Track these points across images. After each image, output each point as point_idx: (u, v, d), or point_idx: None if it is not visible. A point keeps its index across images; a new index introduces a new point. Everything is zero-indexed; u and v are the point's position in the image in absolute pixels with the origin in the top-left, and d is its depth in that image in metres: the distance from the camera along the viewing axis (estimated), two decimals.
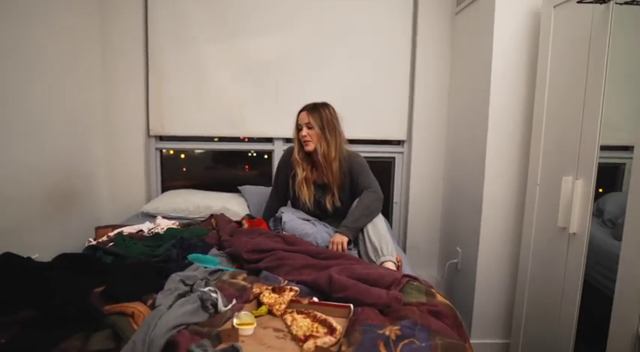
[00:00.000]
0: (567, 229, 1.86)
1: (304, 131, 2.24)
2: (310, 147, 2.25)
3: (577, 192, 1.79)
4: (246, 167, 3.50)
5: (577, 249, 1.81)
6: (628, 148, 1.73)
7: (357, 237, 2.14)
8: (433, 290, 1.61)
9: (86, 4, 2.75)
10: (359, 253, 2.11)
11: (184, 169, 3.46)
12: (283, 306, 1.44)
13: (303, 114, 2.27)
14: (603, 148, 1.72)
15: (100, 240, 2.05)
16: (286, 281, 1.64)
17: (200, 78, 3.01)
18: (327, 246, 2.09)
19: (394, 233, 3.21)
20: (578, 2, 1.73)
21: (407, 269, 2.04)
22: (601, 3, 1.65)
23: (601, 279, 1.94)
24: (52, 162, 2.39)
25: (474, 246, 2.46)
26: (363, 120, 3.04)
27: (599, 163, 1.72)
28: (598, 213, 2.20)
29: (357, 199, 2.19)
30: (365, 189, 2.19)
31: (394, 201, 3.25)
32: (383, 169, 3.27)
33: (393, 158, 3.21)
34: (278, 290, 1.53)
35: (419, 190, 3.13)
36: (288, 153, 2.40)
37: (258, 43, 2.99)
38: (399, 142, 3.18)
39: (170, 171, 3.32)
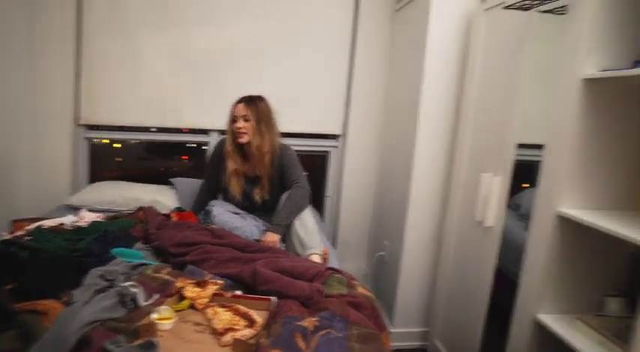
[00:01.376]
0: (484, 223, 1.98)
1: (240, 123, 2.24)
2: (245, 139, 2.26)
3: (494, 188, 1.91)
4: (183, 158, 3.43)
5: (491, 241, 1.94)
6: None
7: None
8: (355, 283, 1.67)
9: None
10: (286, 246, 2.14)
11: (119, 160, 3.35)
12: (205, 300, 1.45)
13: (240, 106, 2.27)
14: (523, 146, 1.85)
15: (17, 234, 1.95)
16: (211, 275, 1.64)
17: (136, 66, 2.90)
18: (256, 239, 2.11)
19: (326, 226, 3.27)
20: (503, 8, 1.83)
21: (335, 262, 2.10)
22: (524, 10, 1.76)
23: (514, 270, 2.09)
24: None
25: (400, 238, 2.56)
26: (299, 114, 3.06)
27: (520, 161, 1.83)
28: (516, 208, 2.36)
29: (286, 193, 2.22)
30: (293, 183, 2.23)
31: (327, 194, 3.31)
32: (317, 163, 3.32)
33: (328, 152, 3.26)
34: (201, 284, 1.53)
35: (351, 185, 3.20)
36: (220, 145, 2.40)
37: (197, 33, 2.93)
38: (334, 137, 3.23)
39: (102, 161, 3.19)
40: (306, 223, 2.14)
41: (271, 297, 1.51)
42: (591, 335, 1.46)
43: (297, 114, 3.05)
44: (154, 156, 3.47)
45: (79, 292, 1.35)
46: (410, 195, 2.47)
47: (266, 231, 2.14)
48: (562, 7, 1.59)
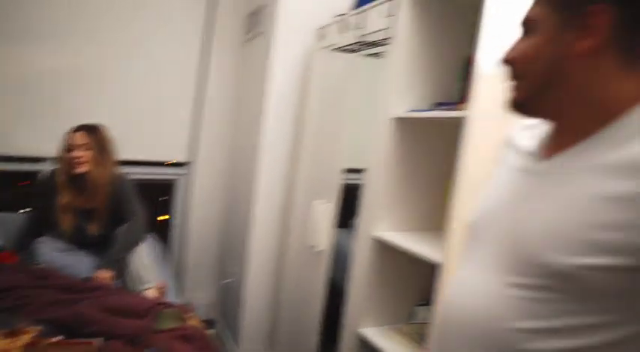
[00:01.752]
0: (316, 246, 2.12)
1: (79, 152, 2.14)
2: (83, 169, 2.15)
3: (324, 215, 2.07)
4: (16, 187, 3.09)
5: (322, 264, 2.09)
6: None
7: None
8: (188, 315, 1.69)
9: None
10: (121, 282, 2.07)
11: None
12: None
13: (79, 134, 2.17)
14: (351, 171, 2.03)
15: None
16: (26, 322, 1.52)
17: None
18: (87, 278, 2.00)
19: (173, 256, 3.20)
20: (333, 50, 2.02)
21: (173, 294, 2.08)
22: (351, 53, 1.96)
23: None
24: None
25: (244, 265, 2.62)
26: (146, 142, 2.97)
27: (350, 184, 2.01)
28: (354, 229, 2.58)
29: (122, 227, 2.15)
30: (130, 216, 2.17)
31: (174, 224, 3.25)
32: (163, 191, 3.25)
33: (175, 180, 3.21)
34: (13, 333, 1.41)
35: (199, 212, 3.18)
36: (49, 177, 2.24)
37: (31, 51, 2.67)
38: (182, 164, 3.19)
39: None
40: (142, 257, 2.09)
41: (95, 339, 1.45)
42: (403, 342, 1.66)
43: (143, 142, 2.95)
44: None
45: None
46: (252, 221, 2.54)
47: (98, 267, 2.05)
48: (383, 52, 1.81)
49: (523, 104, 0.74)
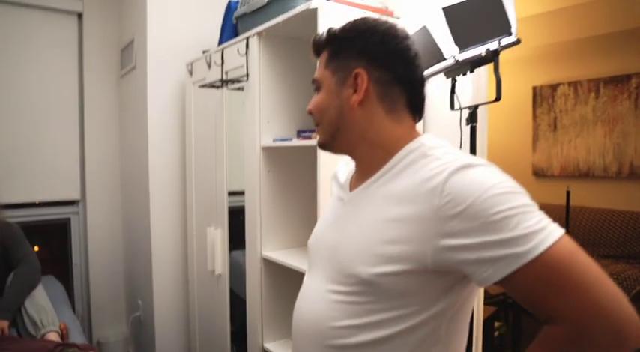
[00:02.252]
0: (214, 271, 2.21)
1: None
2: None
3: (217, 240, 2.17)
4: None
5: (222, 286, 2.18)
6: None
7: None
8: None
9: None
10: (17, 330, 2.02)
11: None
12: None
13: None
14: (236, 194, 2.15)
15: None
16: None
17: None
18: None
19: (77, 295, 3.11)
20: (199, 86, 2.14)
21: (77, 334, 2.07)
22: (217, 88, 2.09)
23: None
24: None
25: (151, 296, 2.63)
26: (28, 181, 2.87)
27: (239, 206, 2.12)
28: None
29: (12, 274, 2.10)
30: (19, 261, 2.12)
31: (74, 262, 3.16)
32: (59, 230, 3.15)
33: (69, 218, 3.13)
34: None
35: (99, 249, 3.12)
36: None
37: None
38: (73, 202, 3.13)
39: None
40: (39, 301, 2.05)
41: None
42: None
43: (26, 182, 2.86)
44: None
45: None
46: (152, 251, 2.57)
47: None
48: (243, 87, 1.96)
49: (325, 144, 0.93)
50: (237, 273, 2.19)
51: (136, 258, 2.93)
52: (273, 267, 1.87)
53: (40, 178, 2.95)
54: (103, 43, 3.08)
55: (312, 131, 1.74)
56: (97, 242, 3.12)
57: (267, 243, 1.87)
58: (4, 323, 1.96)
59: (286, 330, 1.93)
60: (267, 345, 1.89)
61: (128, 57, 2.88)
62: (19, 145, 2.87)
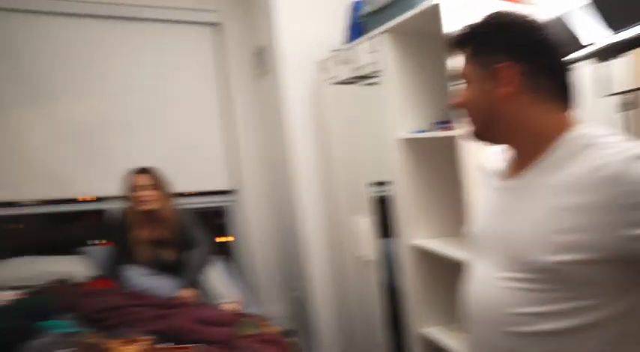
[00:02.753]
0: (363, 257, 2.38)
1: (144, 192, 2.47)
2: (148, 207, 2.48)
3: (364, 228, 2.33)
4: (82, 226, 3.52)
5: (373, 272, 2.34)
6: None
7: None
8: (265, 323, 1.99)
9: None
10: (202, 299, 2.40)
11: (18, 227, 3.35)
12: None
13: (141, 176, 2.51)
14: (382, 184, 2.27)
15: None
16: (137, 333, 1.86)
17: (16, 141, 2.97)
18: (172, 297, 2.34)
19: (241, 274, 3.51)
20: (333, 84, 2.30)
21: (249, 307, 2.38)
22: (349, 84, 2.24)
23: None
24: None
25: (307, 278, 2.90)
26: (193, 174, 3.29)
27: (383, 196, 2.25)
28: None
29: (192, 252, 2.48)
30: (197, 242, 2.50)
31: (235, 245, 3.57)
32: (220, 216, 3.58)
33: (229, 206, 3.54)
34: (131, 342, 1.75)
35: (255, 233, 3.47)
36: (121, 216, 2.59)
37: (78, 106, 3.09)
38: (232, 191, 3.52)
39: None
40: (216, 275, 2.42)
41: (194, 345, 1.77)
42: (461, 340, 1.80)
43: (191, 175, 3.28)
44: (53, 226, 3.52)
45: None
46: (304, 238, 2.83)
47: (180, 288, 2.38)
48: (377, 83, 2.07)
49: (479, 135, 0.98)
50: (384, 261, 2.33)
51: (289, 243, 3.22)
52: (422, 255, 1.97)
53: (204, 171, 3.39)
54: (238, 49, 3.38)
55: (448, 122, 1.78)
56: (253, 226, 3.47)
57: (414, 232, 1.97)
58: (194, 293, 2.35)
59: (447, 317, 2.00)
60: (427, 330, 1.98)
61: (262, 60, 3.12)
62: (185, 144, 3.32)
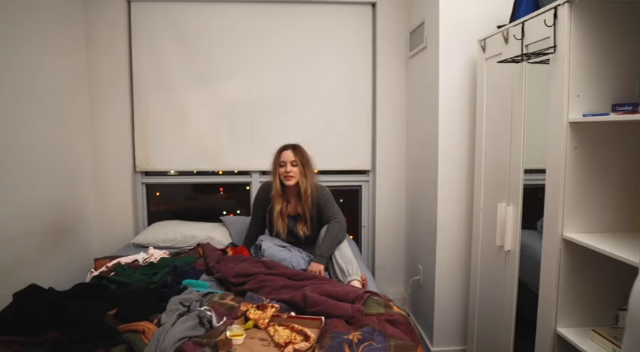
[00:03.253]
0: (503, 247, 2.21)
1: (289, 167, 2.56)
2: (292, 182, 2.57)
3: (509, 216, 2.15)
4: (226, 196, 3.78)
5: (511, 263, 2.17)
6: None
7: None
8: (390, 303, 1.94)
9: (74, 51, 3.02)
10: (329, 274, 2.43)
11: (166, 197, 3.72)
12: (266, 320, 1.74)
13: (288, 152, 2.60)
14: (530, 172, 2.09)
15: (101, 270, 2.30)
16: (268, 300, 1.93)
17: (181, 118, 3.31)
18: (303, 269, 2.40)
19: (363, 254, 3.53)
20: (498, 62, 2.12)
21: (372, 287, 2.36)
22: (516, 62, 2.04)
23: (538, 285, 2.29)
24: (46, 200, 2.63)
25: (432, 263, 2.80)
26: (331, 153, 3.38)
27: (533, 185, 2.06)
28: (541, 230, 2.57)
29: (325, 228, 2.51)
30: (331, 218, 2.52)
31: (362, 225, 3.58)
32: (351, 196, 3.61)
33: (360, 186, 3.56)
34: (261, 307, 1.82)
35: (384, 214, 3.47)
36: (265, 189, 2.71)
37: (232, 85, 3.32)
38: (364, 172, 3.53)
39: (153, 198, 3.58)
40: (345, 253, 2.42)
41: (321, 317, 1.78)
42: (605, 345, 1.65)
43: (329, 153, 3.37)
44: (200, 195, 3.83)
45: (166, 315, 1.67)
46: (437, 223, 2.72)
47: (311, 261, 2.43)
48: (548, 60, 1.86)
49: None
50: (521, 253, 2.14)
51: (418, 226, 3.14)
52: (575, 250, 1.76)
53: (341, 150, 3.43)
54: (393, 28, 3.34)
55: (633, 105, 1.54)
56: (382, 208, 3.46)
57: (568, 225, 1.77)
58: (321, 267, 2.38)
59: (586, 319, 1.82)
60: (562, 330, 1.80)
61: (418, 38, 3.04)
62: (330, 123, 3.39)
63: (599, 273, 1.79)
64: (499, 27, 2.28)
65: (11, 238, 2.28)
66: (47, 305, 1.66)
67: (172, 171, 3.47)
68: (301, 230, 2.62)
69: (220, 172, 3.51)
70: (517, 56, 1.99)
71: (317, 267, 2.37)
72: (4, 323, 1.60)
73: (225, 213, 3.52)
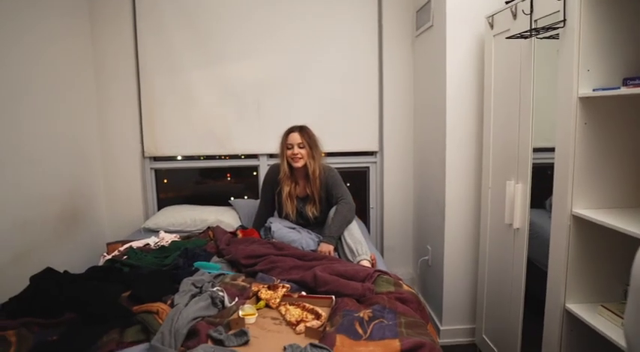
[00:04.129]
0: (512, 225, 2.21)
1: (296, 149, 2.56)
2: (300, 164, 2.57)
3: (518, 194, 2.15)
4: (234, 181, 3.81)
5: (520, 241, 2.17)
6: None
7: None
8: (400, 282, 1.95)
9: (79, 35, 3.02)
10: (338, 254, 2.44)
11: (174, 182, 3.75)
12: (278, 300, 1.77)
13: (295, 134, 2.60)
14: (538, 150, 2.08)
15: (114, 254, 2.34)
16: (279, 280, 1.96)
17: (188, 101, 3.30)
18: (312, 250, 2.42)
19: (372, 235, 3.55)
20: (507, 38, 2.09)
21: (381, 266, 2.37)
22: (525, 38, 2.02)
23: (547, 264, 2.30)
24: (56, 186, 2.66)
25: (441, 243, 2.80)
26: (339, 134, 3.37)
27: (541, 163, 2.06)
28: (549, 209, 2.57)
29: (334, 209, 2.52)
30: (340, 199, 2.53)
31: (370, 206, 3.59)
32: (359, 177, 3.62)
33: (368, 167, 3.56)
34: (272, 287, 1.85)
35: (392, 196, 3.47)
36: (273, 171, 2.72)
37: (239, 68, 3.31)
38: (372, 153, 3.53)
39: (161, 184, 3.61)
40: (354, 233, 2.43)
41: (331, 296, 1.81)
42: (614, 320, 1.66)
43: (337, 135, 3.35)
44: (208, 180, 3.85)
45: (179, 296, 1.70)
46: (446, 203, 2.72)
47: (320, 242, 2.45)
48: (557, 34, 1.83)
49: None
50: (530, 232, 2.14)
51: (426, 206, 3.14)
52: (583, 227, 1.76)
53: (348, 131, 3.42)
54: (399, 7, 3.31)
55: None
56: (390, 189, 3.47)
57: (578, 201, 1.76)
58: (330, 247, 2.40)
59: (595, 295, 1.82)
60: (570, 306, 1.81)
61: (425, 16, 3.00)
62: (337, 105, 3.37)
63: (608, 249, 1.79)
64: (507, 2, 2.25)
65: (24, 223, 2.31)
66: (63, 287, 1.69)
67: (180, 157, 3.48)
68: (310, 211, 2.64)
69: (225, 157, 3.52)
70: (526, 31, 1.97)
71: (326, 248, 2.38)
72: (22, 305, 1.64)
73: (233, 198, 3.54)
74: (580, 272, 1.82)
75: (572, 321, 1.82)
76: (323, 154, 2.71)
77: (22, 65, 2.37)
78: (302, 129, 2.62)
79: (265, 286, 1.86)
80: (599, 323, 1.67)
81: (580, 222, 1.76)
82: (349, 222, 2.49)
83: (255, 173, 3.56)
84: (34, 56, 2.48)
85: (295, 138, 2.59)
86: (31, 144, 2.42)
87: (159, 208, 3.44)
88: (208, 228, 2.79)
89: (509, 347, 2.29)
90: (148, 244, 2.48)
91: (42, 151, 2.51)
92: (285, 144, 2.62)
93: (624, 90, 1.57)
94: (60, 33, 2.77)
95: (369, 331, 1.52)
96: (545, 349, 1.98)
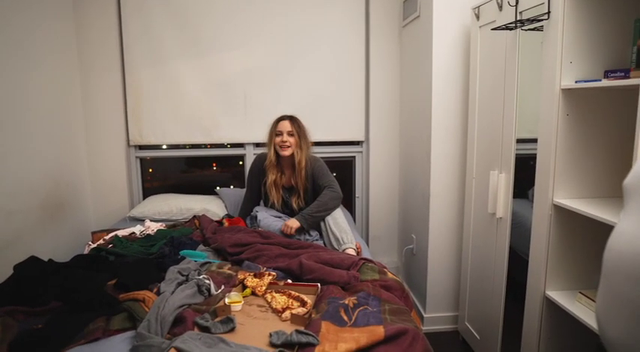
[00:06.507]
0: (495, 214, 2.25)
1: (285, 137, 2.57)
2: (288, 152, 2.58)
3: (501, 184, 2.18)
4: (220, 170, 3.80)
5: (503, 230, 2.21)
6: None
7: (315, 228, 2.52)
8: (385, 270, 1.98)
9: (62, 23, 2.97)
10: (324, 243, 2.46)
11: (159, 172, 3.73)
12: (264, 288, 1.78)
13: (286, 122, 2.60)
14: (522, 141, 2.12)
15: (99, 243, 2.33)
16: (265, 268, 1.97)
17: (174, 91, 3.27)
18: (297, 238, 2.43)
19: (357, 225, 3.57)
20: (492, 29, 2.11)
21: (366, 255, 2.40)
22: (510, 30, 2.04)
23: (528, 253, 2.35)
24: (41, 175, 2.63)
25: (425, 232, 2.84)
26: (325, 124, 3.37)
27: (525, 154, 2.09)
28: (532, 198, 2.61)
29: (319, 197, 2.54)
30: (326, 188, 2.54)
31: (356, 196, 3.62)
32: (345, 167, 3.63)
33: (354, 157, 3.57)
34: (258, 275, 1.86)
35: (377, 185, 3.50)
36: (259, 160, 2.72)
37: (225, 57, 3.28)
38: (358, 143, 3.54)
39: (147, 173, 3.59)
40: (340, 222, 2.45)
41: (317, 283, 1.83)
42: (591, 306, 1.70)
43: (323, 124, 3.36)
44: (193, 169, 3.84)
45: (165, 284, 1.70)
46: (430, 192, 2.75)
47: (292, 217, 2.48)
48: (541, 26, 1.86)
49: None
50: (512, 221, 2.19)
51: (412, 195, 3.17)
52: (563, 215, 1.80)
53: (334, 121, 3.42)
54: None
55: (625, 71, 1.55)
56: (376, 178, 3.49)
57: (559, 190, 1.80)
58: (295, 223, 2.42)
59: (574, 282, 1.87)
60: (550, 293, 1.86)
61: (411, 7, 3.01)
62: (323, 95, 3.37)
63: (588, 238, 1.84)
64: None
65: (9, 212, 2.29)
66: (48, 275, 1.69)
67: (165, 146, 3.46)
68: (295, 203, 2.64)
69: (211, 146, 3.51)
70: (511, 23, 1.99)
71: (292, 223, 2.42)
72: (6, 294, 1.63)
73: (219, 187, 3.54)
74: (560, 260, 1.87)
75: (552, 308, 1.87)
76: (311, 145, 2.72)
77: (4, 55, 2.33)
78: (292, 118, 2.63)
79: (251, 274, 1.88)
80: (577, 310, 1.72)
81: (561, 212, 1.80)
82: (330, 208, 2.49)
83: (241, 162, 3.56)
84: (15, 45, 2.43)
85: (285, 125, 2.59)
86: (15, 133, 2.39)
87: (144, 197, 3.42)
88: (194, 216, 2.79)
89: (491, 333, 2.34)
90: (133, 233, 2.48)
91: (26, 140, 2.48)
92: (275, 131, 2.62)
93: (605, 83, 1.60)
94: (42, 21, 2.72)
95: (353, 318, 1.54)
96: (525, 335, 2.04)
